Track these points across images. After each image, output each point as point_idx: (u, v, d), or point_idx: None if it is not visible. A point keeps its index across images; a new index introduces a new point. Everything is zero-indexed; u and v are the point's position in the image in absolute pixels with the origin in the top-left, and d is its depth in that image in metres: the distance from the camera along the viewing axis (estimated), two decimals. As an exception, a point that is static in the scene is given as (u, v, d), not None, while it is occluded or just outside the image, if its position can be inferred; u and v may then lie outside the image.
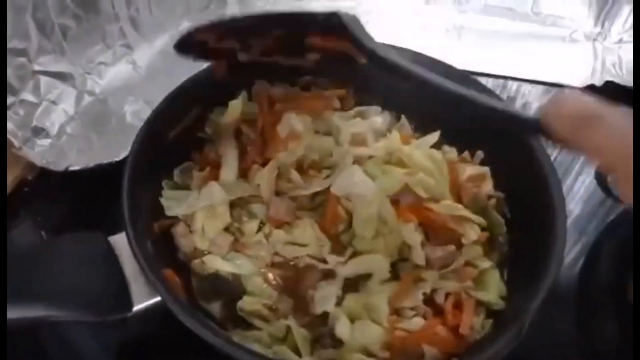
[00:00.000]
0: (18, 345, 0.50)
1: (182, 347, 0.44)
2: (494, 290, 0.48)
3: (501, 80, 0.80)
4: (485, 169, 0.54)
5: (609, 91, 0.78)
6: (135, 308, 0.43)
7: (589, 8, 0.81)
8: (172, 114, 0.54)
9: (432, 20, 0.85)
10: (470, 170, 0.54)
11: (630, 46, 0.81)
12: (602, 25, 0.81)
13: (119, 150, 0.63)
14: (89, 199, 0.64)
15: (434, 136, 0.56)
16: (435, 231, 0.49)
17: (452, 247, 0.48)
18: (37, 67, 0.65)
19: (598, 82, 0.78)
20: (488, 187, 0.53)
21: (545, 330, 0.51)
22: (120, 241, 0.44)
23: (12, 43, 0.61)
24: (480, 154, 0.56)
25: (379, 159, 0.52)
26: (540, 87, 0.80)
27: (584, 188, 0.69)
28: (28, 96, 0.64)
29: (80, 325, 0.54)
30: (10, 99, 0.62)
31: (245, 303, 0.46)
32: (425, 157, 0.51)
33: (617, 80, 0.77)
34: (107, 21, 0.72)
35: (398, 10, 0.85)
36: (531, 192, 0.50)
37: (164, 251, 0.49)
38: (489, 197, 0.53)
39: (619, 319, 0.57)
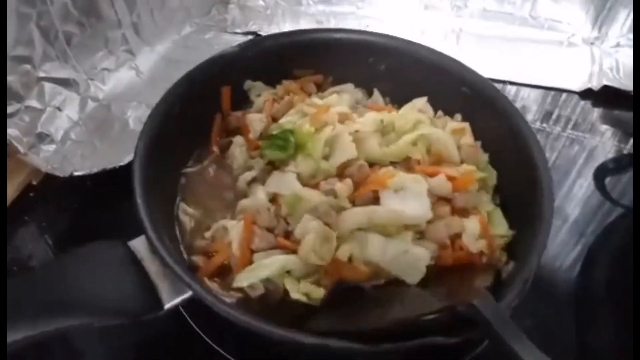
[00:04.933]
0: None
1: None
2: (502, 225, 0.53)
3: (499, 85, 0.81)
4: (465, 124, 0.59)
5: (606, 95, 0.79)
6: (167, 306, 0.43)
7: (586, 12, 0.82)
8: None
9: (430, 25, 0.86)
10: (451, 124, 0.59)
11: (628, 50, 0.82)
12: (600, 30, 0.82)
13: (122, 155, 0.64)
14: (93, 203, 0.65)
15: (421, 100, 0.60)
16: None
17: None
18: (41, 74, 0.66)
19: (595, 85, 0.79)
20: (469, 139, 0.58)
21: (543, 332, 0.52)
22: (139, 244, 0.45)
23: (16, 50, 0.61)
24: (458, 117, 0.61)
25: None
26: (539, 90, 0.81)
27: (582, 191, 0.70)
28: (33, 102, 0.65)
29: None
30: (15, 106, 0.63)
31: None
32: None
33: (614, 84, 0.78)
34: (110, 27, 0.74)
35: (397, 15, 0.86)
36: (512, 148, 0.54)
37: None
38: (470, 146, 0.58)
39: (616, 321, 0.58)
